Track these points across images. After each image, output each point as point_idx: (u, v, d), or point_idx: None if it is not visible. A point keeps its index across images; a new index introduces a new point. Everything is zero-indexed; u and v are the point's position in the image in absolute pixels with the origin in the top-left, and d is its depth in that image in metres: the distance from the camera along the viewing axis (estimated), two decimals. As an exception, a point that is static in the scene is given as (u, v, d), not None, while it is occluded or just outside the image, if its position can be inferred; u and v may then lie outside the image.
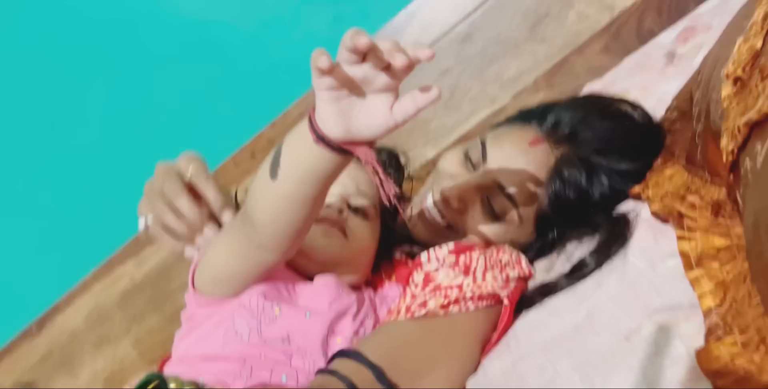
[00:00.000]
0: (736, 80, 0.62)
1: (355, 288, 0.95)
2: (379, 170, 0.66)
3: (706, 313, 0.63)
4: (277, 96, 1.46)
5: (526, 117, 1.02)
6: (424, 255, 0.94)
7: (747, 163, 0.57)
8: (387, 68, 0.60)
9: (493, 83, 1.39)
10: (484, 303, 0.84)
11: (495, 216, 0.97)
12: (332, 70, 0.58)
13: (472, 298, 0.84)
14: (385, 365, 0.76)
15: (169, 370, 0.86)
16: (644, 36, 1.28)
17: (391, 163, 1.10)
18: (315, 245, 0.89)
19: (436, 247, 0.95)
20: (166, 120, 1.45)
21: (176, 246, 0.88)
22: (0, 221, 1.60)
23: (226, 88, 1.47)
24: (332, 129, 0.63)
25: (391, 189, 0.69)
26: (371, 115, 0.62)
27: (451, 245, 0.94)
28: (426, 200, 1.01)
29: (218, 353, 0.82)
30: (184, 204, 0.87)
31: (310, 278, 0.91)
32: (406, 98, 0.62)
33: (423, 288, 0.88)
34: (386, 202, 0.72)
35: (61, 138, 1.53)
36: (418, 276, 0.91)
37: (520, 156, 0.95)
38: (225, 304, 0.85)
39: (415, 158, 1.37)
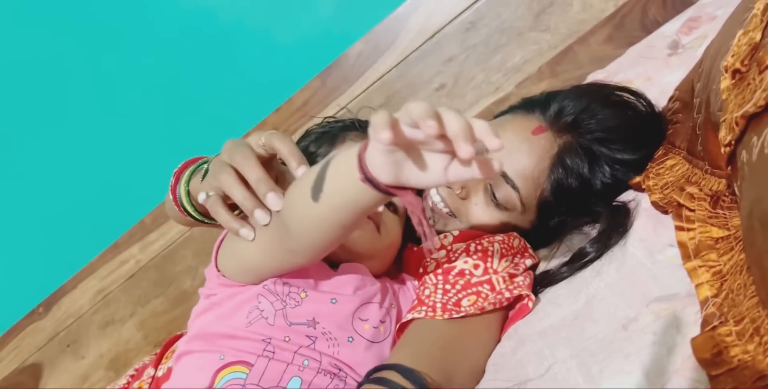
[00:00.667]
0: (735, 73, 0.62)
1: (377, 277, 0.95)
2: (424, 221, 0.63)
3: (703, 303, 0.63)
4: (282, 82, 1.45)
5: (529, 105, 1.02)
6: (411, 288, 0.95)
7: (744, 155, 0.57)
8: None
9: (497, 71, 1.39)
10: (511, 298, 0.85)
11: (498, 204, 0.97)
12: (393, 133, 0.55)
13: (501, 293, 0.85)
14: (425, 369, 0.75)
15: (184, 346, 0.86)
16: (648, 26, 1.29)
17: None
18: (350, 237, 0.87)
19: (441, 236, 0.96)
20: (171, 105, 1.45)
21: (232, 223, 0.79)
22: (7, 204, 1.61)
23: (232, 74, 1.46)
24: (381, 174, 0.60)
25: (432, 236, 0.68)
26: (424, 171, 0.59)
27: (456, 232, 0.95)
28: (430, 189, 1.02)
29: (240, 333, 0.82)
30: (255, 172, 0.78)
31: (335, 266, 0.91)
32: (464, 165, 0.58)
33: (446, 280, 0.87)
34: (426, 251, 0.80)
35: (68, 124, 1.54)
36: (430, 266, 0.92)
37: (523, 144, 0.95)
38: (249, 287, 0.85)
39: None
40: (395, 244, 0.97)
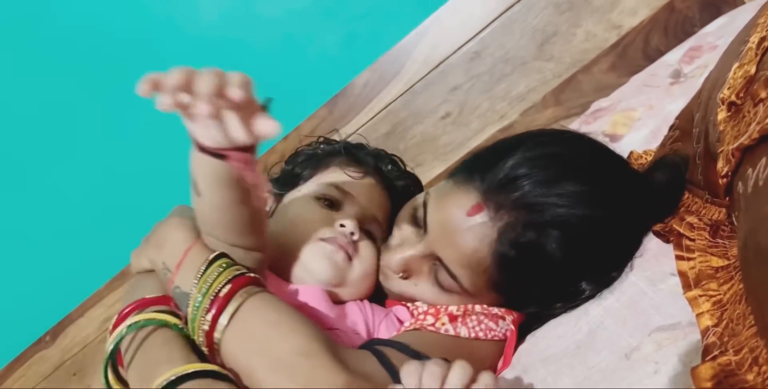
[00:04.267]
0: (731, 105, 0.63)
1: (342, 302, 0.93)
2: (250, 174, 0.72)
3: (704, 332, 0.63)
4: (290, 111, 1.47)
5: (469, 170, 0.87)
6: (403, 312, 0.91)
7: (740, 186, 0.58)
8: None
9: (502, 100, 1.40)
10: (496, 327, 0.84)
11: (442, 288, 0.87)
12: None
13: (492, 330, 0.83)
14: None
15: None
16: (651, 55, 1.30)
17: (392, 167, 1.07)
18: (313, 263, 0.90)
19: (412, 306, 0.91)
20: (180, 133, 1.47)
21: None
22: (14, 231, 1.62)
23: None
24: (206, 141, 0.69)
25: (263, 186, 0.80)
26: (231, 131, 0.66)
27: (424, 307, 0.89)
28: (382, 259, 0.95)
29: None
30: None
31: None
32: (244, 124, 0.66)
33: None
34: (256, 201, 0.77)
35: (75, 153, 1.55)
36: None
37: (459, 226, 0.82)
38: None
39: (423, 173, 1.38)
40: (370, 274, 0.94)
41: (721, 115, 0.64)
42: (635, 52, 1.32)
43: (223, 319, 0.73)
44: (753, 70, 0.62)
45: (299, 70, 1.45)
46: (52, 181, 1.58)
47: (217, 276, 0.75)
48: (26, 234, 1.62)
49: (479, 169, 0.84)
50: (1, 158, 1.59)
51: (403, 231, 0.93)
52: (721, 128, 0.64)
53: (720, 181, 0.64)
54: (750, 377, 0.55)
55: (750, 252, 0.54)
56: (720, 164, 0.63)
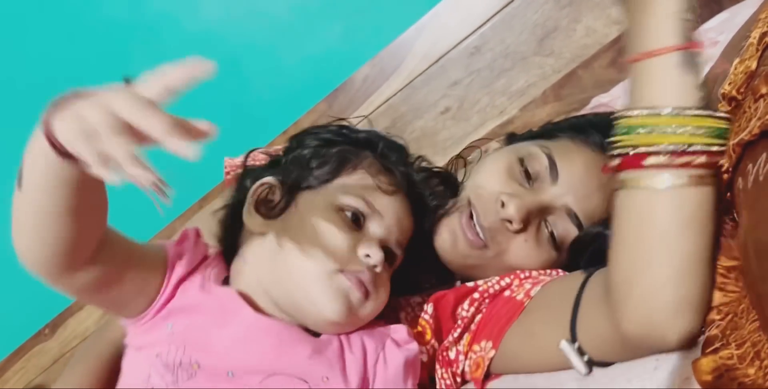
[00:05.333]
0: (731, 100, 0.63)
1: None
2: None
3: (707, 324, 0.63)
4: (290, 105, 1.47)
5: (581, 130, 0.91)
6: (401, 332, 0.82)
7: (740, 182, 0.58)
8: None
9: (502, 95, 1.40)
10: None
11: (551, 242, 0.87)
12: None
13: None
14: None
15: None
16: (651, 51, 1.30)
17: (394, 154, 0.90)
18: (323, 299, 0.75)
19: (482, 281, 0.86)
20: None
21: None
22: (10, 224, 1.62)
23: (240, 98, 1.48)
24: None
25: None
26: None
27: (496, 278, 0.85)
28: (462, 216, 0.89)
29: None
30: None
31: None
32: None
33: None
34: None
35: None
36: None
37: (593, 181, 0.86)
38: (144, 349, 0.76)
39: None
40: (378, 311, 0.81)
41: (723, 110, 0.64)
42: (635, 47, 1.32)
43: None
44: (754, 66, 0.62)
45: (299, 64, 1.45)
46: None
47: None
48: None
49: (596, 132, 0.88)
50: (3, 152, 1.59)
51: (502, 184, 0.88)
52: (722, 124, 0.64)
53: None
54: (751, 371, 0.55)
55: (750, 247, 0.54)
56: (723, 160, 0.62)
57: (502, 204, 0.86)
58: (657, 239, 0.61)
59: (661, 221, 0.60)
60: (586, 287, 0.73)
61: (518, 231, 0.87)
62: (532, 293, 0.80)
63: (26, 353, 1.65)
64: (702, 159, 0.59)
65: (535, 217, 0.87)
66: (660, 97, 0.60)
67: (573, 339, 0.71)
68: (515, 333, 0.78)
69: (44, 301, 1.60)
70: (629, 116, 0.62)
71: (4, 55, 1.54)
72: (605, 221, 0.80)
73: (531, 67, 1.38)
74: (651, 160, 0.60)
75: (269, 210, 0.82)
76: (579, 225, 0.86)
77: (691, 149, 0.59)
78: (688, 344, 0.62)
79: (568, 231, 0.87)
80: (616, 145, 0.63)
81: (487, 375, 0.81)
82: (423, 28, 1.39)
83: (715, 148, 0.60)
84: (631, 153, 0.61)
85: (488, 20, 1.38)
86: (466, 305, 0.83)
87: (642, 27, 0.61)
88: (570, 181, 0.87)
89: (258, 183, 0.85)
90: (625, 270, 0.63)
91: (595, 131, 0.89)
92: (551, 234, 0.87)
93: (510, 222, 0.86)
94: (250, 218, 0.83)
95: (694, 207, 0.60)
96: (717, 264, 0.62)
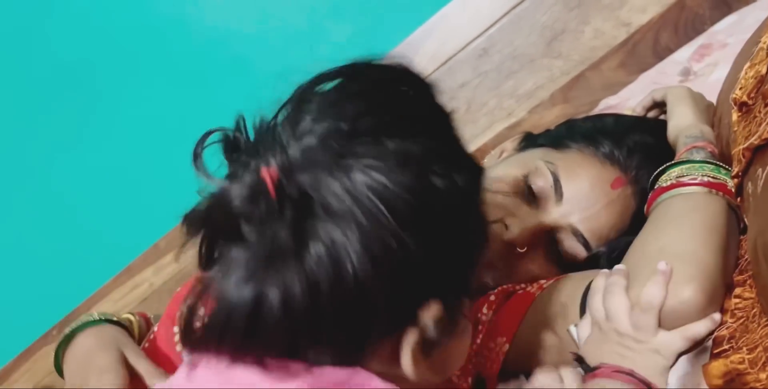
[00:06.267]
0: (742, 105, 0.62)
1: None
2: None
3: (720, 324, 0.63)
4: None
5: (592, 139, 0.89)
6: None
7: (749, 186, 0.58)
8: None
9: (510, 97, 1.40)
10: None
11: (558, 259, 0.86)
12: None
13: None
14: None
15: None
16: (660, 53, 1.29)
17: None
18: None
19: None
20: (187, 129, 1.46)
21: None
22: (21, 227, 1.63)
23: (249, 98, 1.48)
24: None
25: None
26: None
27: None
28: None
29: None
30: None
31: None
32: None
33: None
34: None
35: (82, 149, 1.56)
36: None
37: (600, 199, 0.84)
38: None
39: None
40: None
41: (734, 116, 0.64)
42: (645, 49, 1.31)
43: None
44: (764, 70, 0.62)
45: (307, 66, 1.45)
46: (58, 176, 1.58)
47: None
48: (32, 229, 1.62)
49: (607, 142, 0.87)
50: (12, 153, 1.60)
51: (507, 203, 0.86)
52: (733, 129, 0.64)
53: (732, 181, 0.64)
54: (763, 376, 0.55)
55: (759, 252, 0.54)
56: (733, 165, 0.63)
57: (506, 227, 0.84)
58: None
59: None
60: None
61: (524, 252, 0.85)
62: (545, 285, 0.79)
63: (34, 354, 1.65)
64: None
65: (540, 237, 0.85)
66: None
67: None
68: (527, 323, 0.78)
69: (52, 303, 1.60)
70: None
71: (10, 56, 1.55)
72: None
73: (539, 69, 1.38)
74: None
75: None
76: (586, 244, 0.84)
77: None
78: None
79: (575, 250, 0.85)
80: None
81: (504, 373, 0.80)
82: (431, 30, 1.39)
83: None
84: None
85: (496, 22, 1.38)
86: (485, 309, 0.82)
87: None
88: (575, 200, 0.85)
89: None
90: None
91: (607, 140, 0.88)
92: (556, 251, 0.86)
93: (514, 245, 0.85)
94: None
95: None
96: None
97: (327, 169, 0.49)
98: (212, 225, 0.52)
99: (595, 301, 0.67)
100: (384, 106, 0.54)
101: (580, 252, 0.85)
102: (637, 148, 0.86)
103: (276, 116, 0.55)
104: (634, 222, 0.81)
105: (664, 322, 0.63)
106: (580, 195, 0.84)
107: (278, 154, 0.49)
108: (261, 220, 0.48)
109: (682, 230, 0.67)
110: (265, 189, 0.48)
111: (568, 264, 0.86)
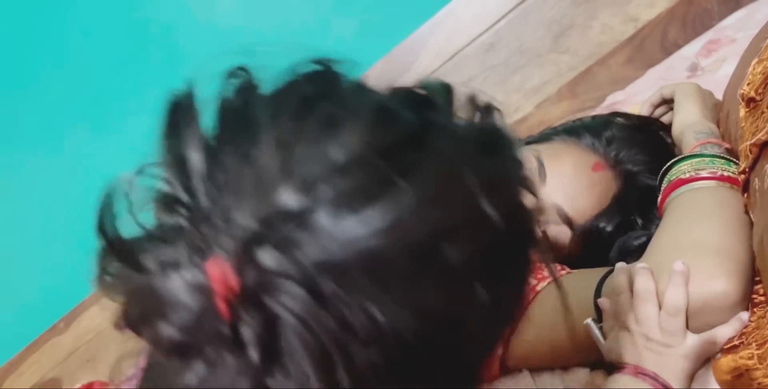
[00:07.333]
0: (750, 101, 0.62)
1: None
2: None
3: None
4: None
5: (574, 132, 0.95)
6: None
7: (756, 182, 0.58)
8: None
9: (517, 92, 1.40)
10: None
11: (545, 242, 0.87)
12: None
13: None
14: None
15: None
16: (668, 48, 1.29)
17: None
18: None
19: None
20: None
21: None
22: (29, 220, 1.63)
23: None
24: None
25: None
26: None
27: None
28: None
29: None
30: None
31: None
32: None
33: None
34: None
35: (93, 136, 1.56)
36: None
37: (582, 180, 0.89)
38: None
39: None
40: None
41: (741, 112, 0.64)
42: (652, 45, 1.31)
43: None
44: (772, 66, 0.62)
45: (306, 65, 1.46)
46: (65, 169, 1.59)
47: None
48: (40, 221, 1.63)
49: (588, 134, 0.93)
50: (23, 148, 1.60)
51: None
52: (741, 125, 0.63)
53: (739, 177, 0.64)
54: (772, 371, 0.55)
55: (766, 247, 0.54)
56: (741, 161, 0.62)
57: None
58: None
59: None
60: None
61: None
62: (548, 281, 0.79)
63: (41, 346, 1.66)
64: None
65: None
66: None
67: (599, 319, 0.71)
68: (531, 318, 0.77)
69: (60, 295, 1.61)
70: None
71: (19, 54, 1.55)
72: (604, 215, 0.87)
73: (546, 64, 1.37)
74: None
75: None
76: (569, 223, 0.88)
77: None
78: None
79: (559, 230, 0.88)
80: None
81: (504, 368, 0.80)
82: (437, 25, 1.39)
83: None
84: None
85: (503, 17, 1.37)
86: None
87: None
88: (558, 181, 0.88)
89: None
90: None
91: (589, 133, 0.93)
92: (543, 233, 0.88)
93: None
94: None
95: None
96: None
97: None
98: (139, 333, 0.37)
99: (622, 302, 0.67)
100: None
101: (564, 232, 0.88)
102: (616, 139, 0.91)
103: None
104: (614, 205, 0.88)
105: (694, 316, 0.63)
106: (564, 177, 0.88)
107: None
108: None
109: (718, 224, 0.68)
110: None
111: (550, 246, 0.88)
